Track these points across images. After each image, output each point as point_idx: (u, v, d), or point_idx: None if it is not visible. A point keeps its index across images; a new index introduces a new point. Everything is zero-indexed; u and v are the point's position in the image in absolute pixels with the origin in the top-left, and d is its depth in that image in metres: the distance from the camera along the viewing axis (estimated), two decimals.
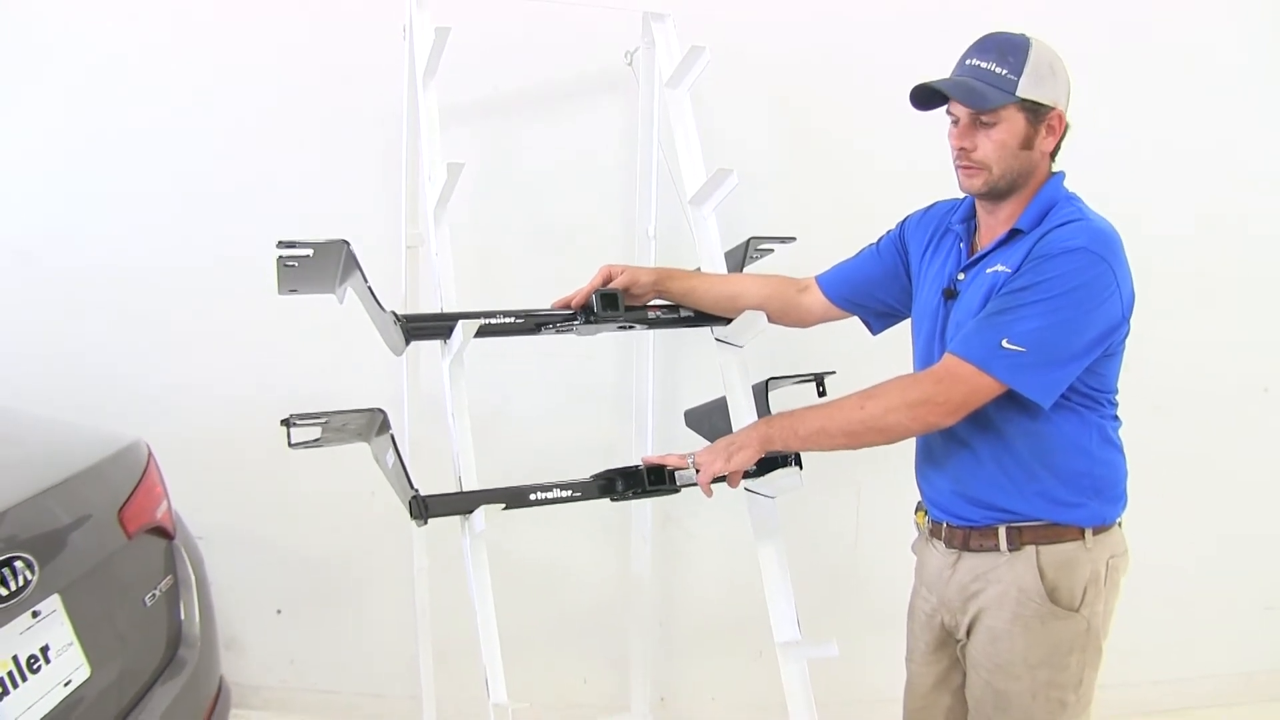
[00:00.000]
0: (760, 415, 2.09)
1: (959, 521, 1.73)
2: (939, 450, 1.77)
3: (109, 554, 1.77)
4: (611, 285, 1.93)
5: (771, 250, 2.33)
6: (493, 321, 1.87)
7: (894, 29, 2.67)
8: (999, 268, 1.61)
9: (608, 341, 2.70)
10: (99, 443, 1.92)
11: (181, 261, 2.79)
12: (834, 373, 2.20)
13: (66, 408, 2.38)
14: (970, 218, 1.76)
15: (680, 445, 2.34)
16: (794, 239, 2.28)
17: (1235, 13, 2.80)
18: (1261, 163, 2.85)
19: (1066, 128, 1.64)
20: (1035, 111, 1.57)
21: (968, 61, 1.62)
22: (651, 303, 2.03)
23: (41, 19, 2.72)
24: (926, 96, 1.64)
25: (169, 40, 2.72)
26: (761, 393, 2.10)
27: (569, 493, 1.80)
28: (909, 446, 2.76)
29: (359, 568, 2.91)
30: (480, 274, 2.64)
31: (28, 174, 2.78)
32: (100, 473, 1.84)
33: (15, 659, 1.50)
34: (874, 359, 2.36)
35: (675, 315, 2.03)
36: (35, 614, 1.56)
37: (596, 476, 1.85)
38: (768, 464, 1.98)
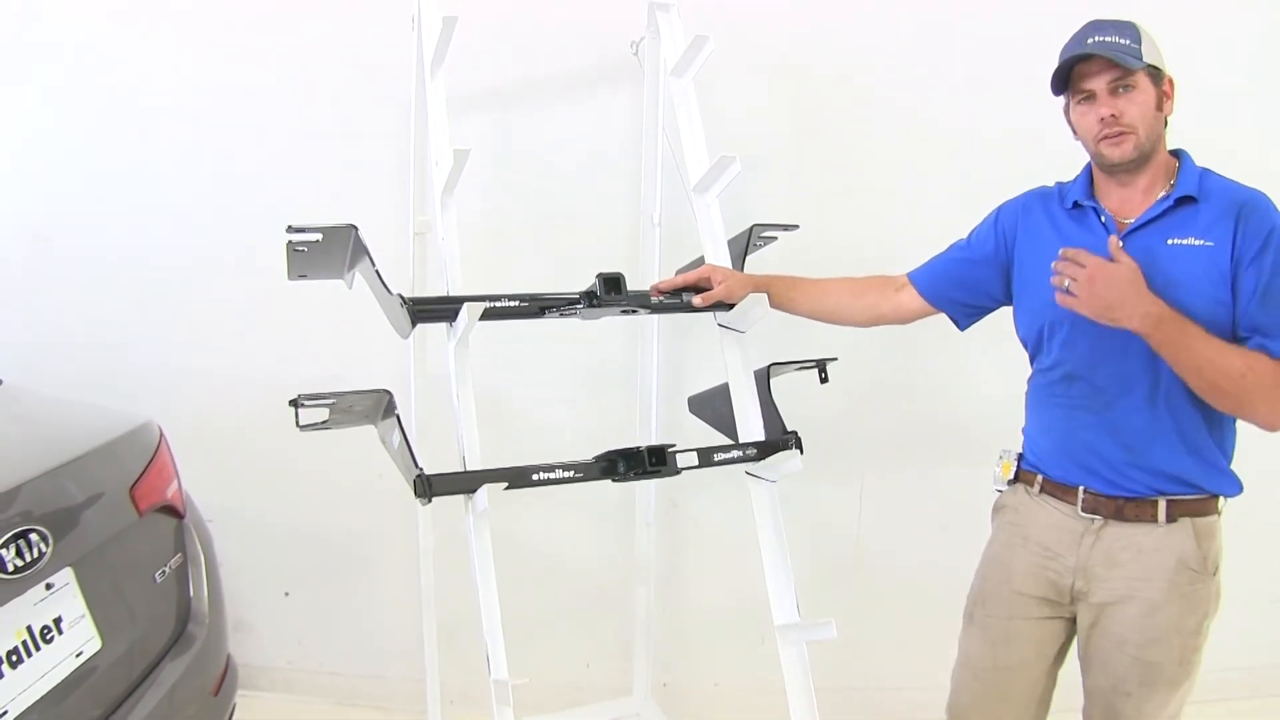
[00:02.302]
0: (762, 401, 2.11)
1: (1117, 491, 1.73)
2: (1118, 416, 1.74)
3: (120, 530, 1.80)
4: (712, 294, 2.00)
5: (775, 238, 2.34)
6: (497, 305, 1.89)
7: (896, 15, 2.67)
8: (1192, 240, 1.64)
9: (615, 327, 2.73)
10: (112, 422, 1.96)
11: (194, 248, 2.83)
12: (835, 359, 2.22)
13: (81, 389, 2.42)
14: (1092, 195, 1.77)
15: (685, 430, 2.39)
16: (797, 226, 2.29)
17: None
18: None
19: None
20: (1156, 77, 1.66)
21: (1091, 40, 1.66)
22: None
23: (61, 7, 2.76)
24: (1062, 75, 1.71)
25: (186, 31, 2.75)
26: (764, 378, 2.12)
27: (571, 473, 1.83)
28: (917, 441, 2.82)
29: (366, 551, 2.95)
30: (487, 259, 2.66)
31: (47, 161, 2.83)
32: (113, 451, 1.88)
33: (29, 629, 1.54)
34: (871, 346, 2.42)
35: (678, 300, 2.05)
36: (49, 586, 1.60)
37: (598, 458, 1.87)
38: (768, 448, 2.01)
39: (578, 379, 2.85)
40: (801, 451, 2.00)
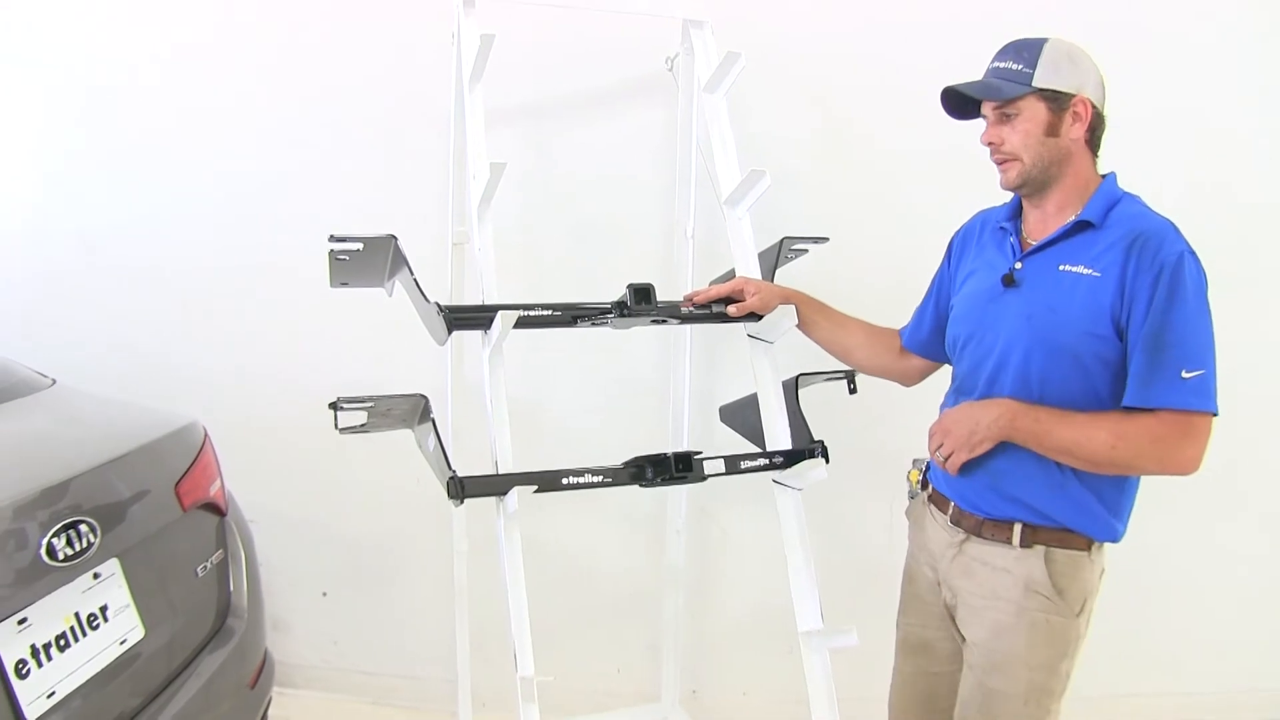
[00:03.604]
0: (790, 411, 2.14)
1: (976, 510, 1.76)
2: None
3: (165, 525, 1.88)
4: (745, 305, 2.03)
5: (805, 250, 2.38)
6: (531, 314, 1.94)
7: (924, 30, 2.70)
8: (1080, 269, 1.63)
9: (649, 339, 2.77)
10: (158, 422, 2.03)
11: (241, 256, 2.91)
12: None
13: (128, 391, 2.50)
14: (1015, 216, 1.80)
15: (717, 440, 2.42)
16: (827, 239, 2.33)
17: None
18: None
19: (1100, 117, 1.68)
20: (1056, 99, 1.63)
21: (990, 65, 1.71)
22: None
23: (112, 24, 2.87)
24: (958, 104, 1.72)
25: (236, 48, 2.84)
26: (792, 389, 2.15)
27: (600, 478, 1.87)
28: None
29: (402, 554, 3.01)
30: (525, 270, 2.73)
31: (96, 172, 2.92)
32: (159, 449, 1.95)
33: (77, 615, 1.61)
34: None
35: (707, 311, 2.09)
36: (96, 575, 1.67)
37: (627, 463, 1.91)
38: (794, 456, 2.04)
39: (612, 389, 2.89)
40: (827, 461, 2.02)
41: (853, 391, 2.28)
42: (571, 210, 2.81)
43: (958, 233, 1.97)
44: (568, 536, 2.89)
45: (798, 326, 2.06)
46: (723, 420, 2.44)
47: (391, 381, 2.59)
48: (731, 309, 2.05)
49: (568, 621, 2.90)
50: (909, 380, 2.12)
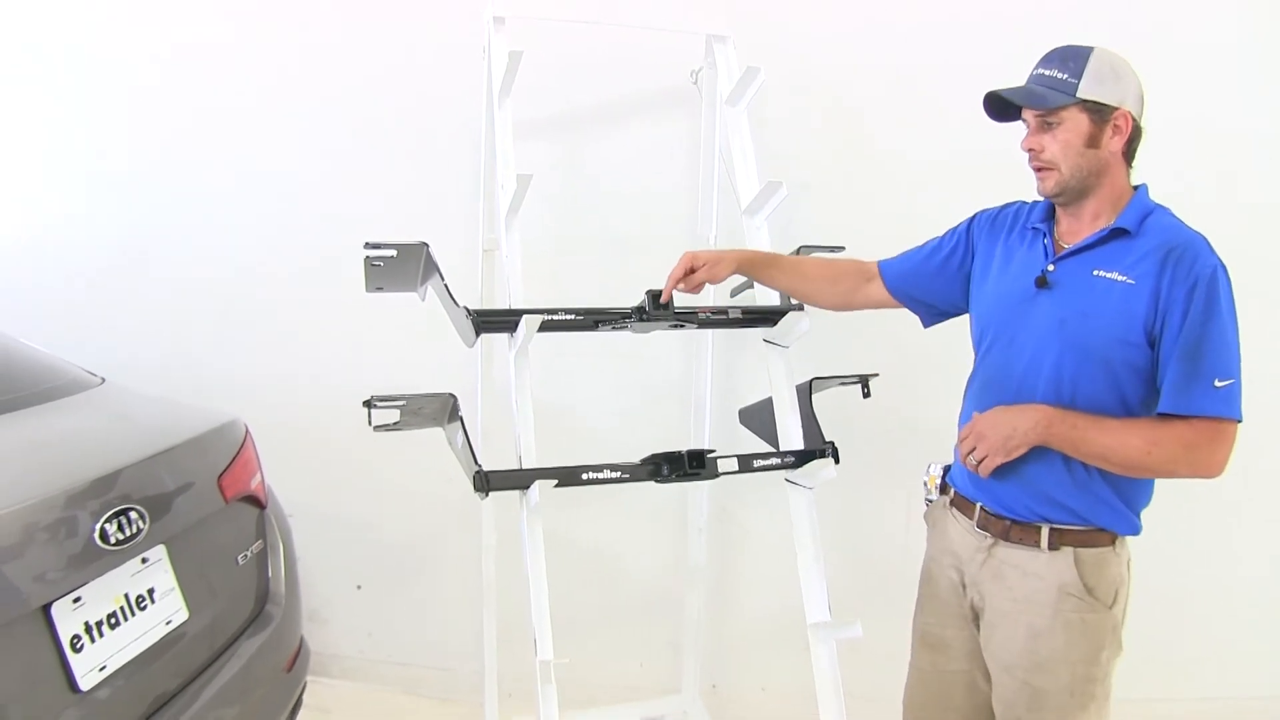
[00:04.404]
0: (803, 413, 2.21)
1: (1006, 512, 1.79)
2: None
3: (207, 515, 1.98)
4: (695, 276, 2.02)
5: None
6: (555, 318, 2.03)
7: (943, 39, 2.76)
8: (1115, 276, 1.65)
9: (672, 343, 2.86)
10: (202, 418, 2.14)
11: (282, 263, 3.05)
12: (877, 374, 2.30)
13: (174, 390, 2.62)
14: (1049, 218, 1.82)
15: (738, 441, 2.49)
16: (843, 248, 2.38)
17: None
18: None
19: (1138, 130, 1.69)
20: (1099, 111, 1.64)
21: (1035, 71, 1.72)
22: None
23: (154, 35, 3.01)
24: (1000, 108, 1.74)
25: (280, 64, 2.99)
26: (805, 392, 2.22)
27: (618, 474, 1.96)
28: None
29: (435, 549, 3.12)
30: (554, 277, 2.83)
31: (144, 184, 3.08)
32: (203, 443, 2.06)
33: (126, 596, 1.72)
34: (920, 359, 2.49)
35: (725, 316, 2.17)
36: (144, 560, 1.78)
37: (644, 460, 2.00)
38: (806, 456, 2.11)
39: (636, 392, 2.98)
40: (837, 461, 2.09)
41: (866, 396, 2.34)
42: (600, 219, 2.90)
43: (987, 211, 1.96)
44: (598, 535, 2.99)
45: (758, 281, 2.12)
46: (741, 422, 2.51)
47: (424, 383, 2.68)
48: (681, 286, 2.04)
49: (595, 617, 3.00)
50: (872, 307, 2.12)
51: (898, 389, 2.38)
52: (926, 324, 2.07)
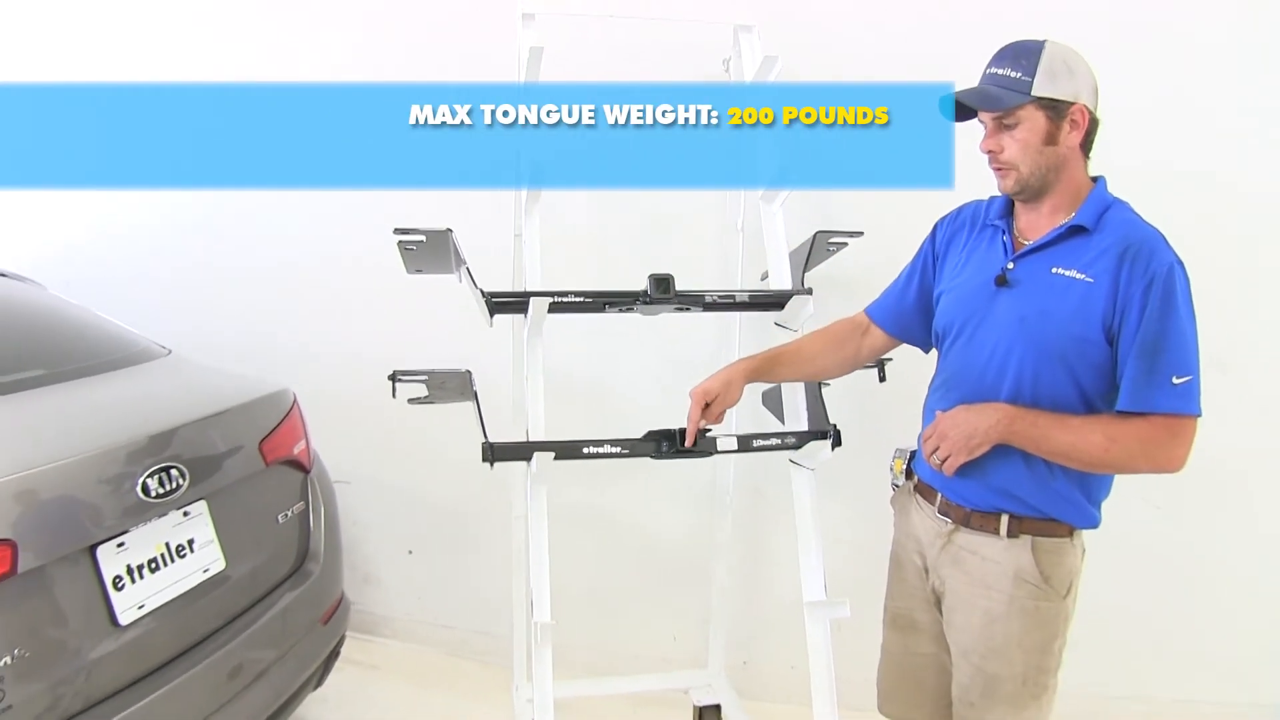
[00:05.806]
0: (810, 396, 2.28)
1: (964, 502, 1.82)
2: None
3: (248, 475, 2.18)
4: (713, 409, 2.00)
5: (845, 244, 2.44)
6: (564, 300, 2.15)
7: (972, 34, 2.71)
8: (1074, 273, 1.67)
9: (706, 328, 2.94)
10: (252, 387, 2.35)
11: (347, 248, 3.25)
12: (891, 359, 2.34)
13: (248, 364, 2.82)
14: (1007, 214, 1.83)
15: (765, 424, 2.56)
16: (861, 233, 2.40)
17: None
18: None
19: (1094, 122, 1.71)
20: (1055, 108, 1.66)
21: (987, 71, 1.73)
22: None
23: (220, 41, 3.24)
24: (958, 108, 1.75)
25: (324, 59, 3.19)
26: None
27: (619, 449, 2.06)
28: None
29: (479, 519, 3.26)
30: (589, 262, 2.94)
31: (216, 179, 3.24)
32: (249, 410, 2.26)
33: (167, 544, 1.92)
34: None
35: (731, 300, 2.25)
36: (185, 513, 1.98)
37: (646, 436, 2.09)
38: (806, 437, 2.18)
39: (668, 372, 3.05)
40: (839, 444, 2.14)
41: (882, 380, 2.39)
42: (634, 204, 2.99)
43: (946, 217, 1.98)
44: (635, 511, 3.10)
45: (773, 382, 2.20)
46: (764, 404, 2.59)
47: (482, 360, 2.81)
48: (704, 422, 2.02)
49: (632, 589, 3.11)
50: (878, 356, 2.14)
51: (908, 371, 2.40)
52: (927, 350, 2.03)
